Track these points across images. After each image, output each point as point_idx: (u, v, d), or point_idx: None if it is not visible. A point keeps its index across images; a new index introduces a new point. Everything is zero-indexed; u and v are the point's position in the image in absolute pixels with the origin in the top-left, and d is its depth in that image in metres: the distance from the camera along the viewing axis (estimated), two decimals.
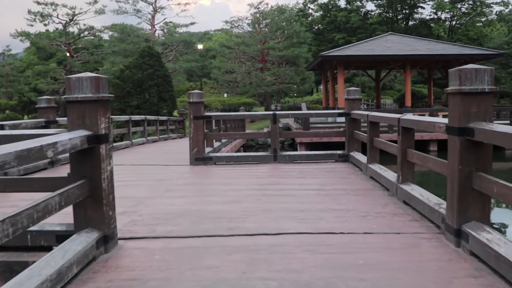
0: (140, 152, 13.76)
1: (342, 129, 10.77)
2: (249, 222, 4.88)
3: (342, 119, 10.60)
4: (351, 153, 9.49)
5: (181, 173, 8.58)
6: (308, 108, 26.37)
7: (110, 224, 4.11)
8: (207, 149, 11.06)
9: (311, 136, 10.32)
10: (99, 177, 4.03)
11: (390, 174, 6.57)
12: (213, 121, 12.35)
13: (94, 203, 4.02)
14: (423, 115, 24.16)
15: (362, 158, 8.58)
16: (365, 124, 8.40)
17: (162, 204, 5.89)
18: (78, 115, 3.95)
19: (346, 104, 9.69)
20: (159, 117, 19.81)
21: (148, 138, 18.02)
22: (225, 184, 7.20)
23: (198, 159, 9.74)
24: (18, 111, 40.75)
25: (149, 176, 8.38)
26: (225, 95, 57.90)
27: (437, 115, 21.97)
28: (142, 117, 17.92)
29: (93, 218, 4.01)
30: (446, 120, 4.31)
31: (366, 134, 8.31)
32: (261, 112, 11.16)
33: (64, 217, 3.91)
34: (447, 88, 4.08)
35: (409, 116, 5.89)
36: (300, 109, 24.30)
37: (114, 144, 14.43)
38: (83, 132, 3.85)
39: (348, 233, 4.43)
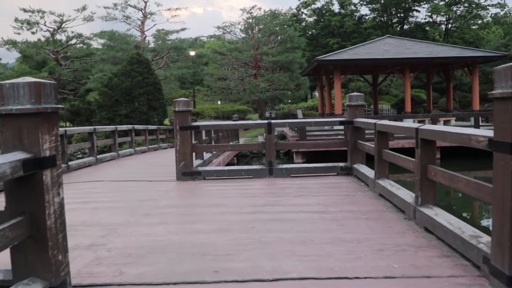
0: (125, 165, 12.81)
1: (343, 139, 9.86)
2: (240, 260, 3.94)
3: (340, 126, 9.71)
4: (355, 166, 8.58)
5: (165, 191, 7.62)
6: (304, 115, 25.41)
7: (59, 272, 3.15)
8: (196, 162, 10.13)
9: (310, 147, 9.41)
10: (43, 212, 3.07)
11: (405, 194, 5.64)
12: (203, 132, 11.40)
13: (36, 246, 3.07)
14: (423, 121, 23.34)
15: (368, 172, 7.66)
16: (370, 132, 7.54)
17: (137, 233, 4.94)
18: (14, 133, 3.01)
19: (348, 111, 8.78)
20: (148, 126, 18.87)
21: (136, 148, 17.09)
22: (214, 206, 6.25)
23: (186, 173, 8.79)
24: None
25: (129, 195, 7.42)
26: (219, 102, 57.07)
27: (438, 121, 21.11)
28: (130, 126, 17.00)
29: (36, 264, 3.07)
30: (488, 133, 3.37)
31: (372, 145, 7.40)
32: (255, 121, 10.22)
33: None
34: (494, 92, 3.14)
35: (431, 126, 4.96)
36: (295, 116, 23.36)
37: (99, 156, 13.49)
38: (18, 155, 2.89)
39: (364, 277, 3.50)
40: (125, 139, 16.86)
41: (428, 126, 4.90)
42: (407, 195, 5.51)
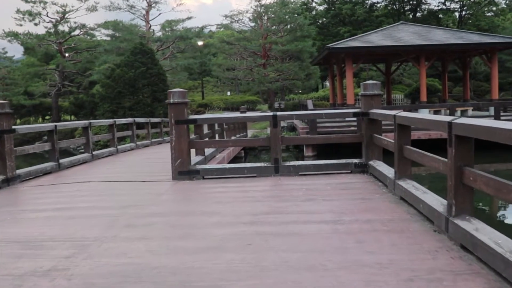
0: (121, 161, 11.96)
1: (357, 132, 8.92)
2: None
3: (349, 116, 8.77)
4: (370, 162, 7.65)
5: (156, 195, 6.74)
6: (314, 106, 24.39)
7: None
8: (196, 159, 9.26)
9: (321, 141, 8.47)
10: None
11: (433, 200, 4.72)
12: (204, 125, 10.48)
13: None
14: (439, 111, 22.30)
15: (386, 170, 6.73)
16: (386, 124, 6.61)
17: (111, 253, 4.08)
18: None
19: (363, 102, 7.84)
20: (151, 119, 18.00)
21: (138, 143, 16.26)
22: (208, 214, 5.36)
23: (182, 173, 7.92)
24: None
25: (115, 200, 6.55)
26: (228, 93, 56.21)
27: (455, 111, 20.06)
28: (130, 120, 16.17)
29: None
30: None
31: (391, 140, 6.47)
32: (259, 113, 9.25)
33: None
34: None
35: (469, 119, 4.02)
36: (305, 107, 22.34)
37: (95, 152, 12.68)
38: None
39: None
40: (126, 133, 16.03)
41: (465, 120, 3.96)
42: (437, 202, 4.59)
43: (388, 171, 6.60)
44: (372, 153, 7.77)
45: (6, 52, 47.46)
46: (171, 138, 7.92)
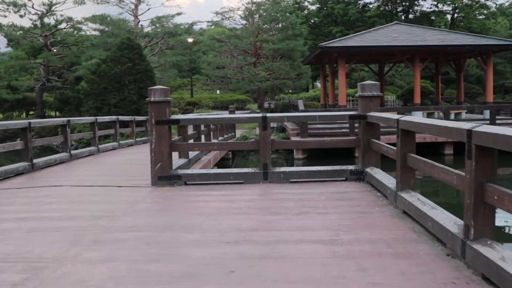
0: (101, 162, 11.27)
1: (353, 137, 8.31)
2: None
3: (345, 119, 8.16)
4: (368, 170, 7.04)
5: (131, 203, 6.07)
6: (305, 106, 23.74)
7: None
8: (179, 161, 8.61)
9: (314, 146, 7.84)
10: None
11: (444, 218, 4.12)
12: (189, 126, 9.78)
13: None
14: (432, 113, 21.79)
15: (386, 179, 6.13)
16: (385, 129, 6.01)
17: (67, 280, 3.43)
18: None
19: (360, 104, 7.22)
20: (136, 117, 17.29)
21: (121, 142, 15.55)
22: (187, 230, 4.71)
23: (162, 178, 7.26)
24: None
25: (86, 208, 5.87)
26: (218, 91, 55.49)
27: (449, 114, 19.53)
28: (113, 117, 15.43)
29: None
30: None
31: (393, 147, 5.87)
32: (246, 115, 8.58)
33: None
34: None
35: (489, 127, 3.42)
36: (296, 107, 21.72)
37: (74, 152, 11.99)
38: None
39: None
40: (109, 132, 15.34)
41: (489, 129, 3.35)
42: (449, 221, 3.99)
43: (388, 180, 6.00)
44: (369, 160, 7.16)
45: None
46: (150, 140, 7.27)
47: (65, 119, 11.79)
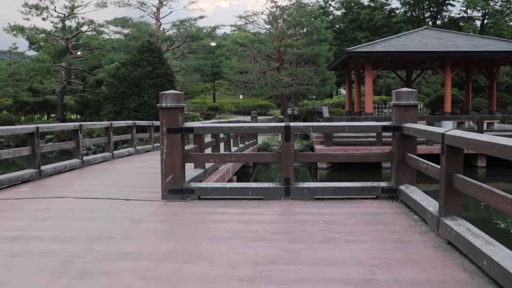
0: (113, 170, 10.65)
1: (385, 151, 7.54)
2: None
3: (377, 130, 7.35)
4: (402, 187, 6.27)
5: (136, 221, 5.39)
6: (329, 113, 22.91)
7: None
8: (194, 172, 7.95)
9: (342, 159, 7.05)
10: None
11: (506, 257, 3.35)
12: (204, 134, 9.07)
13: None
14: (463, 123, 20.85)
15: (425, 201, 5.35)
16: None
17: None
18: None
19: (395, 113, 6.45)
20: (154, 122, 16.68)
21: (138, 147, 14.96)
22: (194, 259, 3.99)
23: (174, 191, 6.58)
24: (13, 112, 37.97)
25: (82, 227, 5.21)
26: (241, 96, 54.90)
27: (482, 124, 18.55)
28: (130, 122, 14.86)
29: None
30: None
31: (434, 165, 5.11)
32: (267, 124, 7.83)
33: None
34: None
35: None
36: (320, 114, 20.94)
37: (86, 158, 11.44)
38: None
39: None
40: (124, 137, 14.78)
41: None
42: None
43: (428, 202, 5.22)
44: (404, 176, 6.38)
45: (16, 48, 46.37)
46: (161, 149, 6.60)
47: (76, 123, 11.21)
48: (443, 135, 4.56)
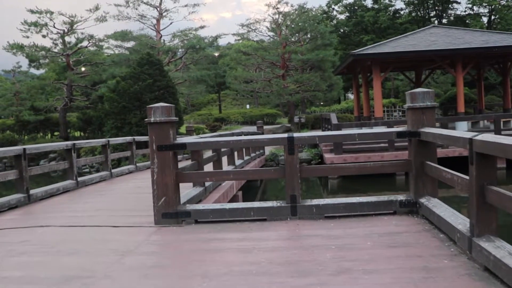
0: (108, 191, 9.97)
1: (402, 159, 6.81)
2: None
3: (392, 137, 6.63)
4: (422, 200, 5.54)
5: (121, 254, 4.70)
6: (338, 119, 22.15)
7: None
8: (193, 192, 7.27)
9: (353, 172, 6.32)
10: None
11: None
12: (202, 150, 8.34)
13: None
14: (477, 123, 20.09)
15: (451, 216, 4.63)
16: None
17: None
18: None
19: (410, 117, 5.74)
20: None
21: (139, 164, 14.32)
22: None
23: (168, 215, 5.90)
24: (16, 131, 37.55)
25: (59, 263, 4.53)
26: (248, 106, 54.37)
27: (499, 123, 17.74)
28: (129, 138, 14.25)
29: None
30: None
31: (461, 175, 4.40)
32: (269, 136, 7.08)
33: None
34: None
35: None
36: (328, 121, 20.19)
37: (82, 178, 10.80)
38: None
39: None
40: (123, 154, 14.16)
41: None
42: None
43: (456, 219, 4.50)
44: (424, 188, 5.66)
45: (20, 66, 46.09)
46: (152, 169, 5.92)
47: (69, 142, 10.57)
48: (471, 140, 3.86)
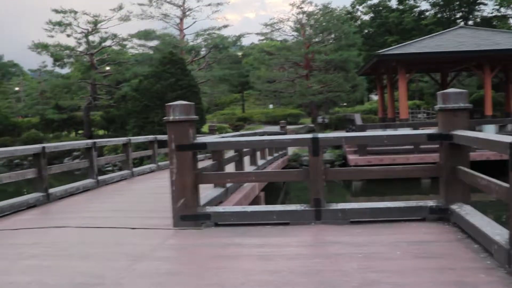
0: (127, 191, 9.83)
1: (432, 163, 6.51)
2: None
3: (422, 140, 6.32)
4: (454, 207, 5.24)
5: (135, 259, 4.50)
6: (362, 120, 21.78)
7: None
8: (213, 192, 7.06)
9: (380, 176, 6.02)
10: None
11: None
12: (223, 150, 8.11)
13: None
14: (505, 126, 19.57)
15: (487, 226, 4.34)
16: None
17: None
18: None
19: (441, 119, 5.44)
20: None
21: (161, 163, 14.18)
22: None
23: (186, 217, 5.70)
24: (41, 130, 37.88)
25: (69, 268, 4.34)
26: (271, 106, 54.12)
27: None
28: (151, 137, 14.13)
29: None
30: None
31: (500, 182, 4.10)
32: (292, 136, 6.81)
33: None
34: None
35: None
36: (353, 122, 19.89)
37: (102, 177, 10.68)
38: None
39: None
40: (145, 153, 14.07)
41: None
42: None
43: (492, 229, 4.21)
44: (456, 193, 5.36)
45: (46, 66, 46.56)
46: (170, 169, 5.73)
47: (90, 141, 10.46)
48: (511, 145, 3.57)
